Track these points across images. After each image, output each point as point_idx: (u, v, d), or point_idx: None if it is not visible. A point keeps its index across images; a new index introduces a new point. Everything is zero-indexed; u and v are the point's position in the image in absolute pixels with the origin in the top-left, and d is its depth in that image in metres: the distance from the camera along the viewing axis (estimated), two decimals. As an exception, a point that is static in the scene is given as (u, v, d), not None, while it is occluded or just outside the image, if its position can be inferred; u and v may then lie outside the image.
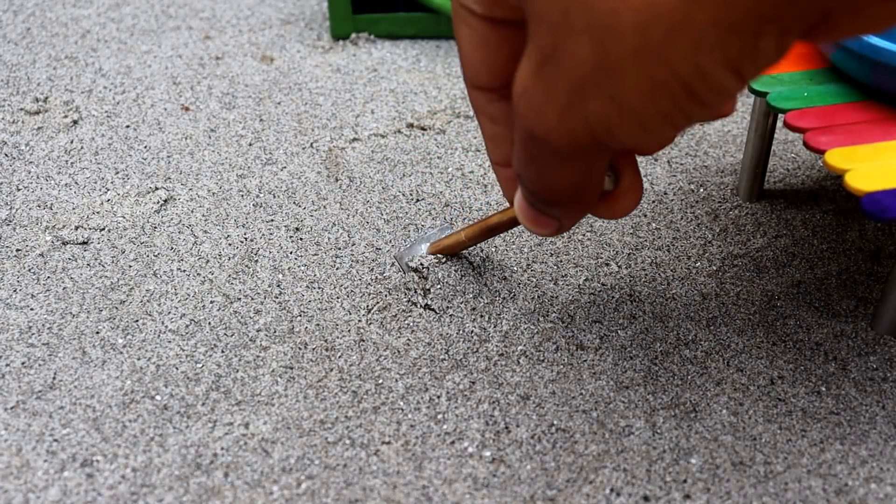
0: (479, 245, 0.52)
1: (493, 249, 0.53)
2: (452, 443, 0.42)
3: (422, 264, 0.48)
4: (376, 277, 0.51)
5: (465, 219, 0.55)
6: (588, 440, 0.42)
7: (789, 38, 0.23)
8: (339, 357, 0.46)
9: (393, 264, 0.51)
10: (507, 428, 0.42)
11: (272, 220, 0.56)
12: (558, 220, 0.34)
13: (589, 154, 0.28)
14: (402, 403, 0.44)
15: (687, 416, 0.43)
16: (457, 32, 0.32)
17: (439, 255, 0.49)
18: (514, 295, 0.50)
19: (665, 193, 0.58)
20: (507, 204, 0.41)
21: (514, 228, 0.50)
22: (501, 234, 0.54)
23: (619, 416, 0.43)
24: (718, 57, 0.23)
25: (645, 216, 0.56)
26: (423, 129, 0.65)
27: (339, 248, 0.53)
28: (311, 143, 0.63)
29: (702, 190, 0.58)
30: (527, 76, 0.26)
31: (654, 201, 0.57)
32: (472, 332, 0.47)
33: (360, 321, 0.48)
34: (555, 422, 0.43)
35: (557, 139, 0.27)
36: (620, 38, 0.23)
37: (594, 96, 0.25)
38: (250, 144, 0.63)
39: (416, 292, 0.49)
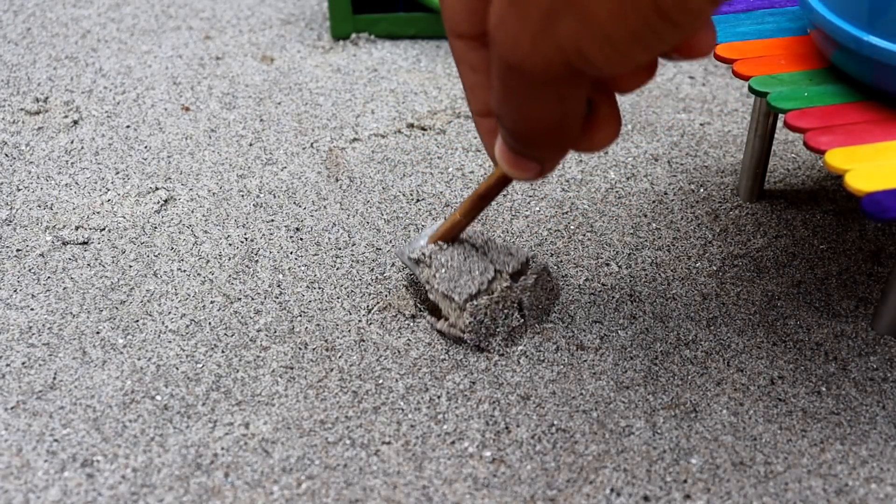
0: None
1: (494, 249, 0.53)
2: (453, 443, 0.42)
3: (423, 254, 0.47)
4: (377, 277, 0.51)
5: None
6: (588, 440, 0.42)
7: None
8: (340, 357, 0.46)
9: (394, 263, 0.51)
10: (507, 428, 0.42)
11: (272, 221, 0.56)
12: (539, 162, 0.34)
13: (564, 81, 0.28)
14: (402, 403, 0.44)
15: (687, 416, 0.43)
16: None
17: (440, 242, 0.47)
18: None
19: (665, 193, 0.58)
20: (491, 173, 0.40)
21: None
22: (501, 235, 0.54)
23: (619, 417, 0.43)
24: None
25: (645, 216, 0.56)
26: (423, 129, 0.65)
27: (340, 249, 0.53)
28: (312, 144, 0.63)
29: (702, 190, 0.58)
30: (501, 4, 0.27)
31: (654, 201, 0.57)
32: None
33: (360, 321, 0.48)
34: (555, 422, 0.43)
35: (532, 65, 0.27)
36: None
37: (564, 18, 0.25)
38: (251, 144, 0.63)
39: (464, 332, 0.46)
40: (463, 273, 0.46)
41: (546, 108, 0.30)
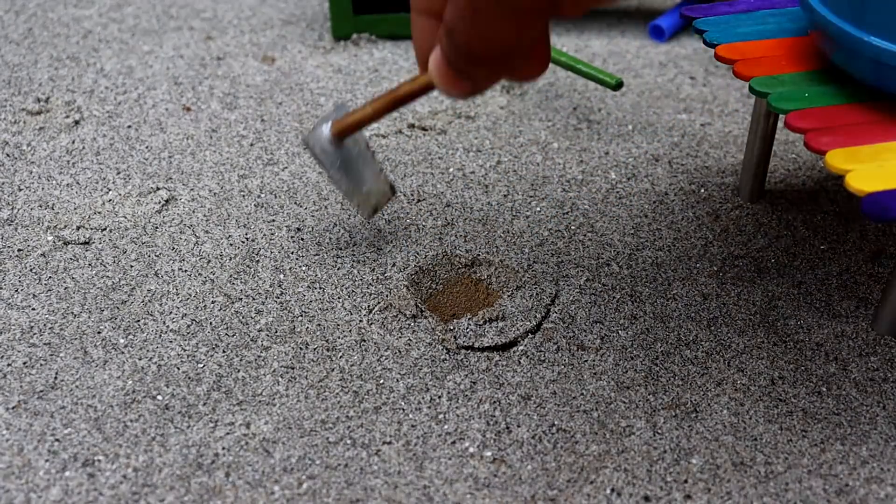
0: (477, 246, 0.52)
1: (495, 249, 0.53)
2: (453, 443, 0.42)
3: (329, 148, 0.48)
4: (377, 278, 0.51)
5: (466, 219, 0.55)
6: (589, 440, 0.42)
7: None
8: (341, 357, 0.46)
9: (395, 263, 0.51)
10: (507, 428, 0.42)
11: (273, 221, 0.56)
12: (473, 81, 0.34)
13: (541, 9, 0.28)
14: (403, 403, 0.44)
15: (688, 416, 0.43)
16: None
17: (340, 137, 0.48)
18: (514, 294, 0.50)
19: (666, 194, 0.58)
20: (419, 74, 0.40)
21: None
22: (502, 235, 0.54)
23: (619, 417, 0.43)
24: None
25: (646, 217, 0.56)
26: (424, 129, 0.65)
27: (341, 249, 0.53)
28: (313, 144, 0.63)
29: (703, 190, 0.58)
30: None
31: (655, 202, 0.57)
32: (472, 332, 0.47)
33: (361, 321, 0.48)
34: (556, 422, 0.43)
35: None
36: None
37: None
38: (252, 145, 0.63)
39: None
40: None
41: (509, 33, 0.30)
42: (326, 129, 0.47)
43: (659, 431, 0.42)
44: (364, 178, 0.49)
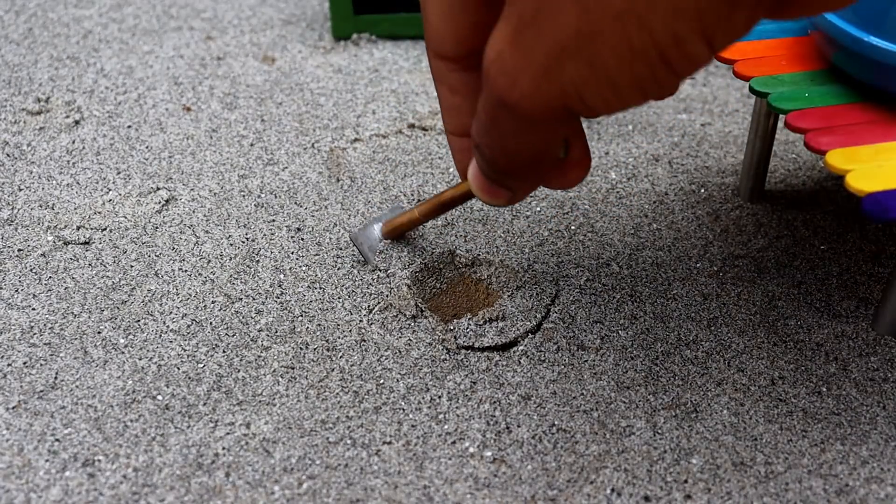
0: (477, 252, 0.52)
1: (495, 249, 0.53)
2: (454, 443, 0.42)
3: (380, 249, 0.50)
4: (377, 278, 0.51)
5: (466, 219, 0.55)
6: (589, 440, 0.42)
7: (760, 11, 0.24)
8: (341, 357, 0.46)
9: (399, 258, 0.51)
10: (508, 428, 0.42)
11: (273, 221, 0.56)
12: (511, 191, 0.35)
13: (555, 121, 0.28)
14: (403, 403, 0.44)
15: (688, 416, 0.43)
16: (424, 1, 0.33)
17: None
18: (514, 294, 0.50)
19: (666, 194, 0.58)
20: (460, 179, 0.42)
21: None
22: (502, 235, 0.54)
23: (619, 417, 0.43)
24: (695, 26, 0.23)
25: (646, 217, 0.56)
26: (424, 129, 0.65)
27: (341, 249, 0.53)
28: (313, 144, 0.63)
29: (703, 191, 0.58)
30: (502, 41, 0.26)
31: (655, 202, 0.57)
32: (472, 332, 0.47)
33: (361, 321, 0.48)
34: (556, 422, 0.43)
35: (530, 105, 0.27)
36: (605, 3, 0.23)
37: (573, 62, 0.25)
38: (252, 145, 0.63)
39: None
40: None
41: (530, 144, 0.30)
42: (377, 231, 0.51)
43: (659, 431, 0.42)
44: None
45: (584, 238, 0.54)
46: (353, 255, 0.53)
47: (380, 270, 0.50)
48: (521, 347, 0.47)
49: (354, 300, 0.49)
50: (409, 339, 0.47)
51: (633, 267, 0.52)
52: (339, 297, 0.50)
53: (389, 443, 0.42)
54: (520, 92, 0.27)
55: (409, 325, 0.48)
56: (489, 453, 0.41)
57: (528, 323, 0.48)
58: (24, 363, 0.46)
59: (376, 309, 0.49)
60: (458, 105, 0.36)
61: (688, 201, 0.57)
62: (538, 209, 0.57)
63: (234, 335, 0.47)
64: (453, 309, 0.49)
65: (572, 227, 0.55)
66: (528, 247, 0.53)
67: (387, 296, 0.50)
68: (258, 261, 0.52)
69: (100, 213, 0.56)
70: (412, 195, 0.58)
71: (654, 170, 0.60)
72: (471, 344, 0.46)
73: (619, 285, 0.51)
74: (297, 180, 0.59)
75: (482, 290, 0.51)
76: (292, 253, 0.53)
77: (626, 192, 0.58)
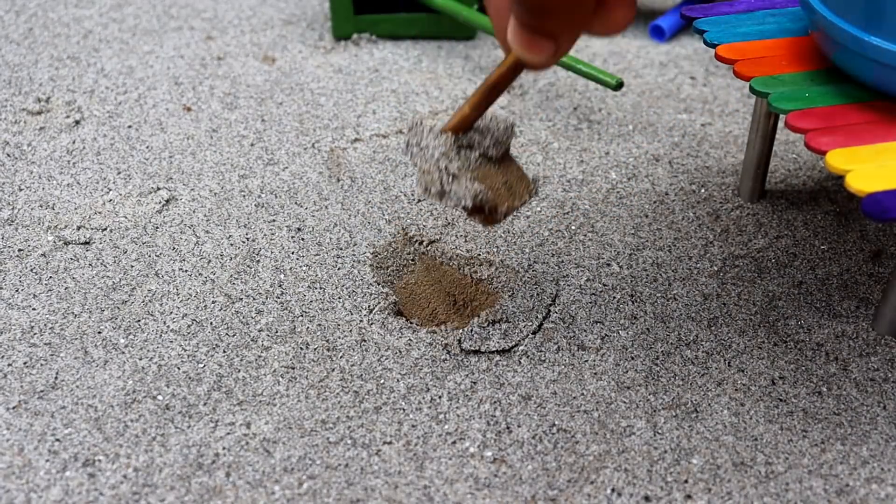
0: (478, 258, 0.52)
1: (495, 249, 0.53)
2: (454, 443, 0.42)
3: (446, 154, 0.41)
4: (378, 278, 0.51)
5: (466, 219, 0.55)
6: (589, 440, 0.42)
7: None
8: (341, 357, 0.46)
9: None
10: (508, 428, 0.42)
11: (274, 221, 0.56)
12: (554, 40, 0.33)
13: None
14: (403, 403, 0.44)
15: (688, 416, 0.43)
16: None
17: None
18: (514, 294, 0.50)
19: (666, 194, 0.58)
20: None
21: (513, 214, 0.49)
22: (503, 235, 0.54)
23: (620, 417, 0.43)
24: None
25: (646, 217, 0.56)
26: (424, 129, 0.65)
27: (341, 249, 0.53)
28: (313, 144, 0.63)
29: (703, 190, 0.58)
30: None
31: (655, 202, 0.57)
32: (473, 332, 0.47)
33: (361, 321, 0.48)
34: (556, 422, 0.43)
35: None
36: None
37: None
38: (252, 145, 0.63)
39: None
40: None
41: None
42: (437, 140, 0.42)
43: (659, 431, 0.42)
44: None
45: (585, 238, 0.54)
46: (354, 255, 0.53)
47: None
48: (521, 348, 0.47)
49: (355, 300, 0.49)
50: (410, 340, 0.47)
51: (634, 267, 0.52)
52: (339, 297, 0.50)
53: (390, 443, 0.42)
54: None
55: (410, 325, 0.48)
56: (489, 453, 0.41)
57: (530, 323, 0.48)
58: (25, 363, 0.46)
59: (376, 309, 0.49)
60: None
61: (688, 201, 0.57)
62: (538, 209, 0.57)
63: (234, 335, 0.47)
64: (451, 310, 0.49)
65: (572, 227, 0.55)
66: (529, 247, 0.53)
67: (387, 296, 0.49)
68: (258, 261, 0.52)
69: (100, 213, 0.56)
70: (412, 195, 0.58)
71: (654, 170, 0.60)
72: (476, 348, 0.46)
73: (620, 285, 0.51)
74: (297, 180, 0.59)
75: (482, 290, 0.51)
76: (292, 253, 0.53)
77: (626, 192, 0.58)
